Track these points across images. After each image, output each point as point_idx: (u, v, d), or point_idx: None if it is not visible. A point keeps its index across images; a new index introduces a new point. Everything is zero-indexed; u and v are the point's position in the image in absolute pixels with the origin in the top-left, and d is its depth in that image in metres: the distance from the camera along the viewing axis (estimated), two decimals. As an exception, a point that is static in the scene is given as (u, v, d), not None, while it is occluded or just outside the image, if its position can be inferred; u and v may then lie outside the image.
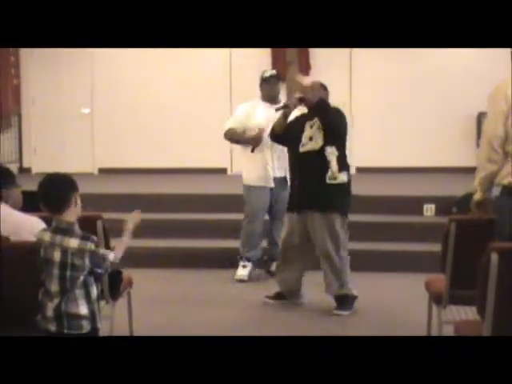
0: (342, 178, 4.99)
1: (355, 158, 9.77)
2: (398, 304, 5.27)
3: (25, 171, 10.20)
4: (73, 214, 3.02)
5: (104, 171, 10.07)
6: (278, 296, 5.33)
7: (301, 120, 5.16)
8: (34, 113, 10.34)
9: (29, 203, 3.73)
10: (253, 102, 6.03)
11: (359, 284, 5.59)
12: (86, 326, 2.97)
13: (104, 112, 10.15)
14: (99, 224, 3.94)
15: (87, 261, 2.96)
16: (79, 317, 2.96)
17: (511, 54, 3.68)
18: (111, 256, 3.00)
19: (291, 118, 5.26)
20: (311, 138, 4.99)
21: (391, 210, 7.01)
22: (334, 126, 4.97)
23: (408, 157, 9.67)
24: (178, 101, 9.85)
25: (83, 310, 2.97)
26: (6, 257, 3.07)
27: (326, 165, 4.93)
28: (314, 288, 5.26)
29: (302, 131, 5.05)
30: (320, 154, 4.94)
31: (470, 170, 9.48)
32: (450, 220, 3.94)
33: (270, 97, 5.91)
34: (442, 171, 9.37)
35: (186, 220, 7.00)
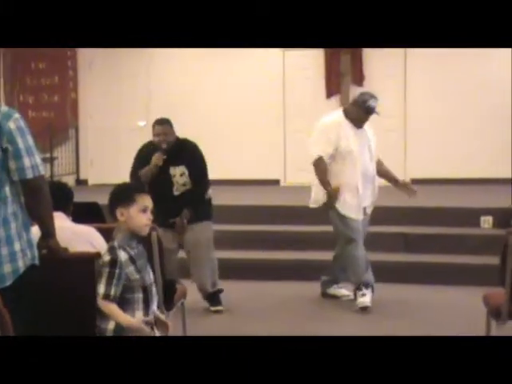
0: (209, 194, 5.58)
1: (410, 169, 9.73)
2: (455, 319, 5.18)
3: (81, 183, 10.40)
4: None
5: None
6: None
7: (163, 166, 5.31)
8: (91, 125, 10.54)
9: (85, 214, 3.79)
10: (339, 119, 5.43)
11: (417, 296, 5.52)
12: None
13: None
14: (154, 235, 3.98)
15: None
16: None
17: None
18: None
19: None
20: (184, 184, 5.37)
21: (447, 221, 6.91)
22: (200, 171, 5.46)
23: (464, 167, 9.51)
24: (231, 112, 9.92)
25: None
26: (65, 267, 3.11)
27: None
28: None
29: (169, 177, 5.33)
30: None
31: (529, 182, 9.34)
32: (509, 232, 3.84)
33: (357, 122, 5.41)
34: (499, 182, 9.17)
35: (239, 231, 7.03)
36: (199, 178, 5.42)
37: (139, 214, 3.07)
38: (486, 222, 6.99)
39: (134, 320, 3.02)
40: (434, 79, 9.64)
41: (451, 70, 9.52)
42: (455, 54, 9.33)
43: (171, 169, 5.35)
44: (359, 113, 5.36)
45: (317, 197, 5.54)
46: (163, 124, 5.41)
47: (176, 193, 5.38)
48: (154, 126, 5.48)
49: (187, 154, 5.41)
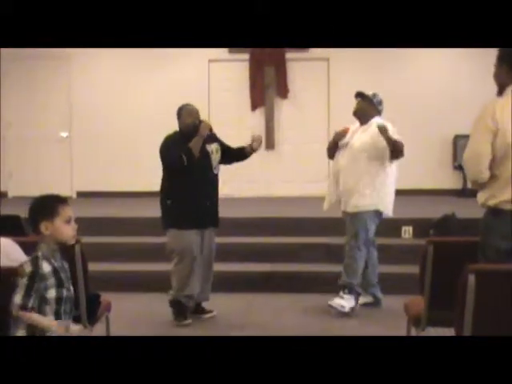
0: None
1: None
2: (377, 325, 5.27)
3: (1, 195, 10.11)
4: None
5: (82, 194, 10.02)
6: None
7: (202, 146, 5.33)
8: (10, 136, 10.28)
9: (6, 227, 3.70)
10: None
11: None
12: None
13: (82, 135, 10.12)
14: (77, 248, 3.91)
15: None
16: None
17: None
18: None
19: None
20: (218, 163, 5.48)
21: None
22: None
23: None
24: (154, 122, 9.81)
25: None
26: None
27: None
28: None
29: (208, 154, 5.36)
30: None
31: (446, 193, 9.66)
32: (428, 242, 3.95)
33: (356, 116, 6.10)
34: (419, 193, 9.44)
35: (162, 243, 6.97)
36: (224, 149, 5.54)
37: (64, 226, 3.02)
38: (407, 231, 7.18)
39: (55, 322, 2.96)
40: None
41: (374, 83, 9.70)
42: (380, 64, 9.59)
43: (207, 146, 5.37)
44: None
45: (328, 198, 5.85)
46: None
47: (215, 171, 5.44)
48: (185, 107, 5.57)
49: (211, 132, 5.44)
